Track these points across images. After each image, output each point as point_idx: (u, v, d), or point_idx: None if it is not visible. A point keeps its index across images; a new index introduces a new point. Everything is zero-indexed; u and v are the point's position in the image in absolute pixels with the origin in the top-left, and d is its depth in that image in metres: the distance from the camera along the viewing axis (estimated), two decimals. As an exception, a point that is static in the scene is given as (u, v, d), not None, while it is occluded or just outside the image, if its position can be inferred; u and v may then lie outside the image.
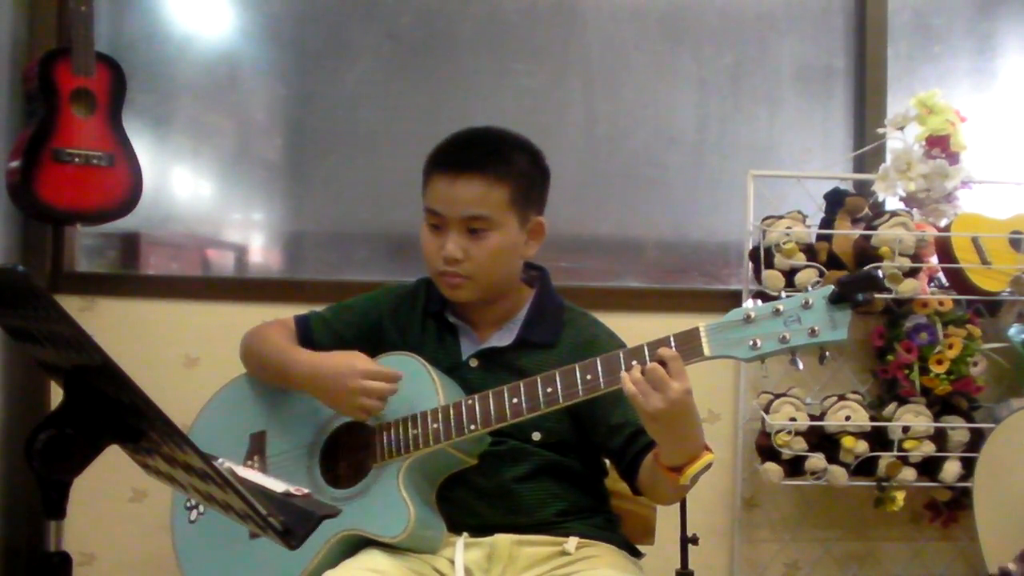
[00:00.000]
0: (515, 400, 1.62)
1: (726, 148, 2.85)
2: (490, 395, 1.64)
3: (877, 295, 2.35)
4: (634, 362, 1.53)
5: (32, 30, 2.59)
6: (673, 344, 1.53)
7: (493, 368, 1.77)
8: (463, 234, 1.72)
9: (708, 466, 1.57)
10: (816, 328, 1.47)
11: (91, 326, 1.08)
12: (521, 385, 1.62)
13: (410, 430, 1.67)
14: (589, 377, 1.58)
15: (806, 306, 1.48)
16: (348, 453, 1.78)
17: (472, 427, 1.64)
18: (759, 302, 1.52)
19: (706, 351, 1.51)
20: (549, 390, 1.60)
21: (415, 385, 1.70)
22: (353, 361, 1.71)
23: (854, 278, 1.48)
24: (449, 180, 1.72)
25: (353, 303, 1.91)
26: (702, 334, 1.52)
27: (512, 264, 1.79)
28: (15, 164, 2.37)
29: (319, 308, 1.93)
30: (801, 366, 1.52)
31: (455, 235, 1.72)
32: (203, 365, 2.56)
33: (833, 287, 1.47)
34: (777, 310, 1.50)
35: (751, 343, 1.49)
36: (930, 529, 2.70)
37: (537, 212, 1.81)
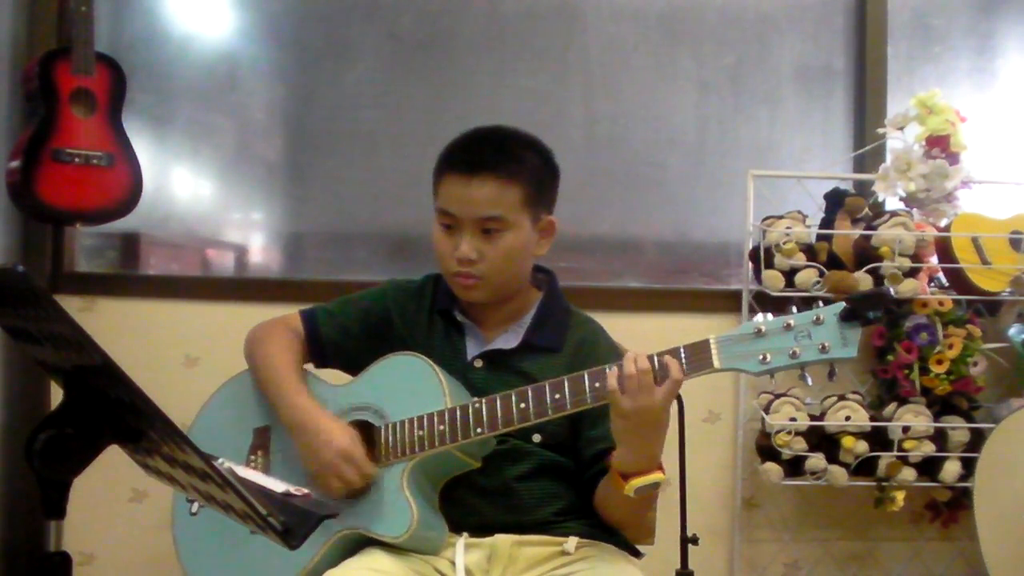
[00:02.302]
0: (523, 405, 1.62)
1: (726, 148, 2.85)
2: (498, 399, 1.63)
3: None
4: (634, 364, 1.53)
5: (32, 30, 2.58)
6: (683, 355, 1.54)
7: (497, 370, 1.77)
8: (477, 235, 1.72)
9: (656, 485, 1.57)
10: (826, 344, 1.48)
11: (91, 326, 1.08)
12: (529, 390, 1.62)
13: (415, 431, 1.67)
14: (598, 385, 1.58)
15: (817, 322, 1.49)
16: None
17: (479, 430, 1.64)
18: (769, 316, 1.53)
19: (716, 363, 1.52)
20: (557, 396, 1.60)
21: (422, 386, 1.70)
22: (341, 437, 1.67)
23: (866, 296, 1.49)
24: (463, 181, 1.72)
25: (359, 297, 1.91)
26: (712, 346, 1.53)
27: (525, 264, 1.80)
28: (15, 164, 2.36)
29: (324, 303, 1.93)
30: (810, 382, 1.54)
31: (469, 236, 1.72)
32: (203, 365, 2.56)
33: (845, 304, 1.48)
34: (788, 325, 1.50)
35: (761, 357, 1.50)
36: (930, 529, 2.70)
37: (548, 211, 1.81)
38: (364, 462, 1.66)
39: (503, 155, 1.74)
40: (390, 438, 1.69)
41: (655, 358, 1.53)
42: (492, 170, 1.71)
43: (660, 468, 1.57)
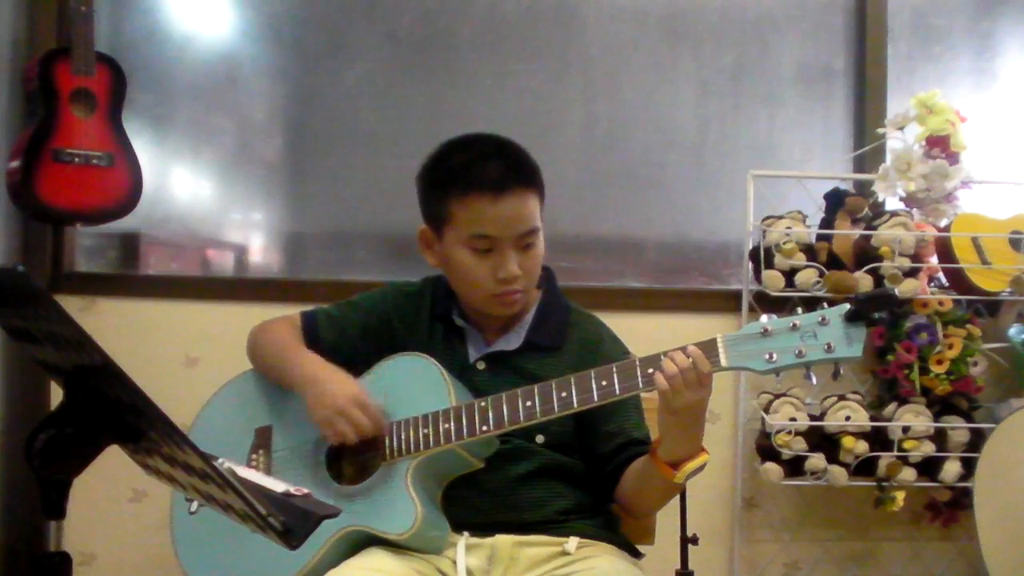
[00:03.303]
0: (528, 403, 1.61)
1: (726, 148, 2.85)
2: (504, 397, 1.63)
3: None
4: (664, 357, 1.54)
5: (32, 30, 2.58)
6: None
7: (500, 371, 1.77)
8: (519, 250, 1.72)
9: (703, 466, 1.60)
10: (832, 344, 1.49)
11: (91, 326, 1.08)
12: (535, 389, 1.62)
13: (421, 429, 1.67)
14: (604, 383, 1.58)
15: (823, 322, 1.50)
16: (355, 450, 1.78)
17: (484, 428, 1.63)
18: (775, 317, 1.54)
19: (723, 362, 1.53)
20: (564, 395, 1.60)
21: (427, 386, 1.70)
22: (352, 385, 1.69)
23: (871, 296, 1.50)
24: (492, 201, 1.68)
25: (359, 300, 1.90)
26: (720, 345, 1.53)
27: None
28: (15, 164, 2.37)
29: (324, 306, 1.93)
30: (815, 380, 1.55)
31: (513, 254, 1.71)
32: (203, 365, 2.56)
33: (849, 305, 1.49)
34: (794, 325, 1.51)
35: (767, 356, 1.51)
36: (930, 529, 2.70)
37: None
38: (377, 409, 1.67)
39: (518, 164, 1.73)
40: (395, 436, 1.69)
41: (663, 357, 1.54)
42: (517, 182, 1.70)
43: (703, 450, 1.60)
